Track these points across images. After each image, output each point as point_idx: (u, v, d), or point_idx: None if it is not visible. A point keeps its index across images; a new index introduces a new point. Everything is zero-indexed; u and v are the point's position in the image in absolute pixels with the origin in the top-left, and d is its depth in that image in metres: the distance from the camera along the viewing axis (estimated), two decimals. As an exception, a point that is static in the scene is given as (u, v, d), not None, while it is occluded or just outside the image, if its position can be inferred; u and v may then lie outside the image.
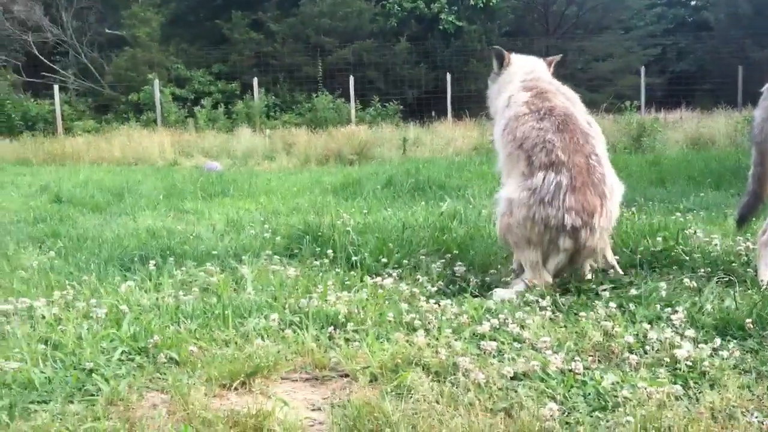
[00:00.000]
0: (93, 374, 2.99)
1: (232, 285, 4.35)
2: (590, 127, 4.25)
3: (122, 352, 3.22)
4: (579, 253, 4.08)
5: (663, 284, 3.99)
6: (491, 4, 29.16)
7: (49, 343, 3.33)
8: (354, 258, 4.84)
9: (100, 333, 3.40)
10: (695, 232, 5.32)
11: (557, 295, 3.92)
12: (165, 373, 3.02)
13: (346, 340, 3.36)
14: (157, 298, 4.02)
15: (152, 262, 4.89)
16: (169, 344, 3.27)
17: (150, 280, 4.47)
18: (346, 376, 3.02)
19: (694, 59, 33.60)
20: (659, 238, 4.96)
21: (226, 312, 3.65)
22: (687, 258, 4.63)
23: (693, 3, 39.99)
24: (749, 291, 3.90)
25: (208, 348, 3.26)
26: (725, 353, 3.00)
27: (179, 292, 4.14)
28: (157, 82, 24.51)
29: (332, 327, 3.50)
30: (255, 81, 25.01)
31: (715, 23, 33.46)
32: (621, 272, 4.39)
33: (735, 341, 3.20)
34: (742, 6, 30.89)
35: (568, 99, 4.40)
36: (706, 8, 36.10)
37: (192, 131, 21.21)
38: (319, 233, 5.56)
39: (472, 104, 21.76)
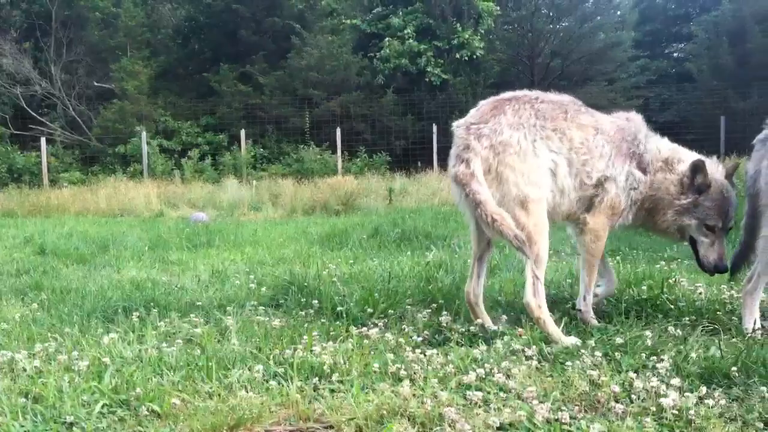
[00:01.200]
0: (73, 428, 2.95)
1: (216, 336, 4.32)
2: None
3: (103, 405, 3.18)
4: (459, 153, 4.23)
5: (648, 333, 3.99)
6: (476, 56, 29.58)
7: (29, 396, 3.28)
8: (339, 308, 4.82)
9: (82, 386, 3.36)
10: (679, 281, 5.34)
11: (543, 343, 3.91)
12: (147, 426, 2.98)
13: (331, 391, 3.33)
14: (139, 350, 3.98)
15: (136, 313, 4.86)
16: (152, 397, 3.22)
17: (133, 331, 4.43)
18: (331, 427, 2.98)
19: (677, 110, 33.95)
20: (644, 287, 4.98)
21: (209, 363, 3.62)
22: (672, 306, 4.63)
23: (675, 55, 40.64)
24: (734, 339, 3.90)
25: (191, 400, 3.22)
26: (711, 401, 3.00)
27: (162, 343, 4.11)
28: (144, 134, 24.60)
29: (317, 378, 3.47)
30: (242, 133, 25.13)
31: (697, 74, 33.95)
32: (592, 318, 4.44)
33: (720, 389, 3.19)
34: (724, 57, 31.39)
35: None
36: (688, 60, 36.64)
37: (178, 182, 21.23)
38: (305, 283, 5.54)
39: (458, 155, 21.85)
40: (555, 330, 4.08)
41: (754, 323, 4.18)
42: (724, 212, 4.31)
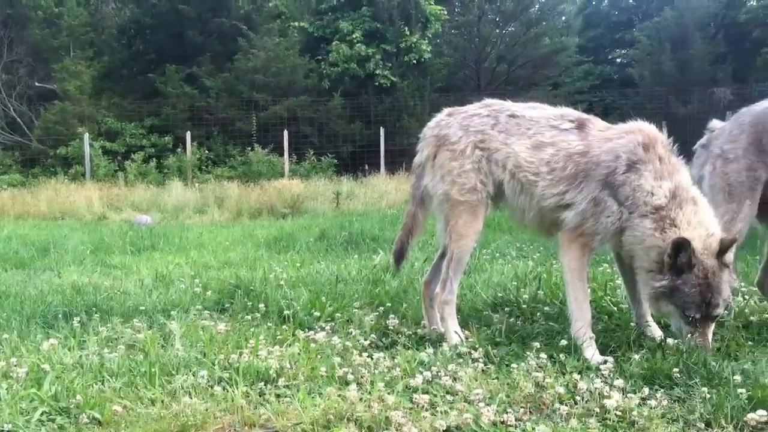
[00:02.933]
0: (11, 436, 2.87)
1: (160, 341, 4.25)
2: None
3: (43, 413, 3.11)
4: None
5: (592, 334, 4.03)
6: (424, 60, 29.75)
7: (-36, 404, 3.19)
8: (286, 312, 4.79)
9: (20, 393, 3.28)
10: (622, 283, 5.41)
11: (489, 345, 3.93)
12: (87, 434, 2.92)
13: (277, 395, 3.30)
14: (80, 356, 3.90)
15: (76, 318, 4.76)
16: (92, 404, 3.16)
17: (74, 337, 4.34)
18: (277, 432, 2.96)
19: (620, 115, 34.36)
20: (588, 289, 5.02)
21: (152, 369, 3.56)
22: (615, 308, 4.70)
23: (618, 60, 41.40)
24: (675, 341, 3.97)
25: (133, 407, 3.16)
26: (654, 402, 3.04)
27: (104, 349, 4.03)
28: (87, 135, 24.10)
29: (263, 383, 3.45)
30: (188, 135, 24.83)
31: (639, 80, 34.61)
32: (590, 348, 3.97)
33: (662, 390, 3.25)
34: (666, 63, 32.05)
35: None
36: (631, 65, 37.36)
37: (122, 185, 20.88)
38: (251, 287, 5.50)
39: (406, 158, 21.91)
40: (450, 328, 4.23)
41: None
42: (705, 301, 3.66)
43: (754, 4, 34.64)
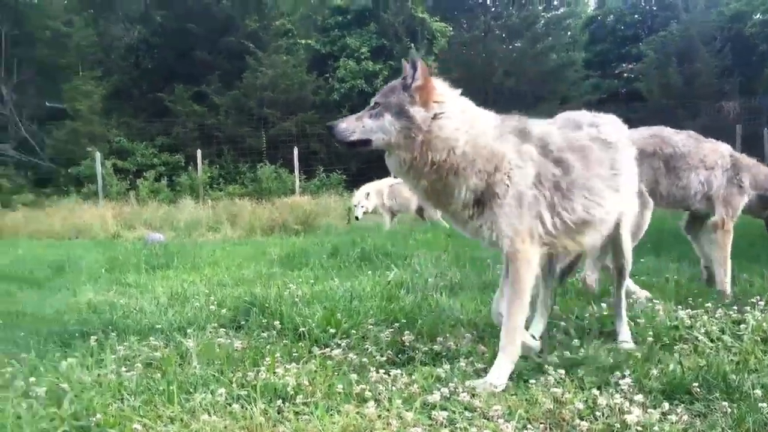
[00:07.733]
0: (32, 456, 2.88)
1: (177, 359, 4.24)
2: None
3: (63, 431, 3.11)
4: None
5: (609, 349, 4.02)
6: (431, 75, 29.90)
7: (-14, 424, 3.20)
8: (301, 329, 4.78)
9: (40, 412, 3.28)
10: (638, 297, 5.40)
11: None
12: (108, 453, 2.93)
13: (296, 413, 3.30)
14: (98, 375, 3.90)
15: (93, 337, 4.75)
16: (112, 423, 3.17)
17: (91, 356, 4.33)
18: (296, 450, 2.95)
19: (629, 128, 34.52)
20: (603, 304, 5.01)
21: (171, 387, 3.56)
22: (632, 323, 4.68)
23: (625, 75, 41.38)
24: (694, 355, 3.96)
25: (153, 425, 3.17)
26: (674, 417, 3.03)
27: (122, 368, 4.03)
28: (98, 155, 24.24)
29: (281, 400, 3.44)
30: (198, 153, 24.95)
31: (647, 93, 34.56)
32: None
33: (683, 405, 3.23)
34: (673, 77, 32.01)
35: None
36: (638, 79, 37.35)
37: (134, 203, 20.94)
38: (266, 304, 5.49)
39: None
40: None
41: None
42: None
43: (760, 17, 34.64)
